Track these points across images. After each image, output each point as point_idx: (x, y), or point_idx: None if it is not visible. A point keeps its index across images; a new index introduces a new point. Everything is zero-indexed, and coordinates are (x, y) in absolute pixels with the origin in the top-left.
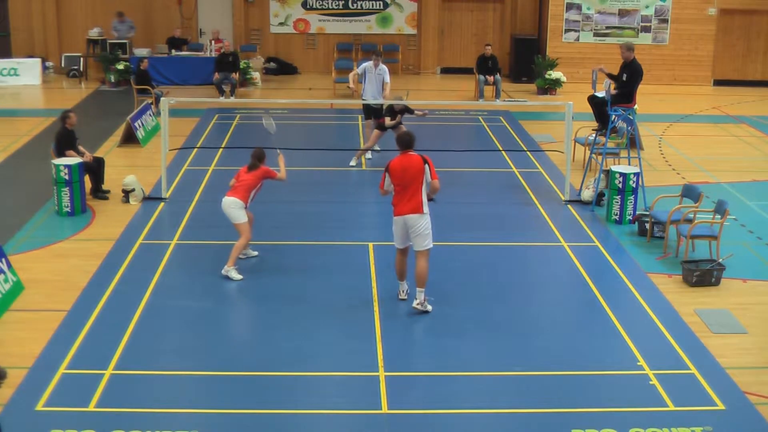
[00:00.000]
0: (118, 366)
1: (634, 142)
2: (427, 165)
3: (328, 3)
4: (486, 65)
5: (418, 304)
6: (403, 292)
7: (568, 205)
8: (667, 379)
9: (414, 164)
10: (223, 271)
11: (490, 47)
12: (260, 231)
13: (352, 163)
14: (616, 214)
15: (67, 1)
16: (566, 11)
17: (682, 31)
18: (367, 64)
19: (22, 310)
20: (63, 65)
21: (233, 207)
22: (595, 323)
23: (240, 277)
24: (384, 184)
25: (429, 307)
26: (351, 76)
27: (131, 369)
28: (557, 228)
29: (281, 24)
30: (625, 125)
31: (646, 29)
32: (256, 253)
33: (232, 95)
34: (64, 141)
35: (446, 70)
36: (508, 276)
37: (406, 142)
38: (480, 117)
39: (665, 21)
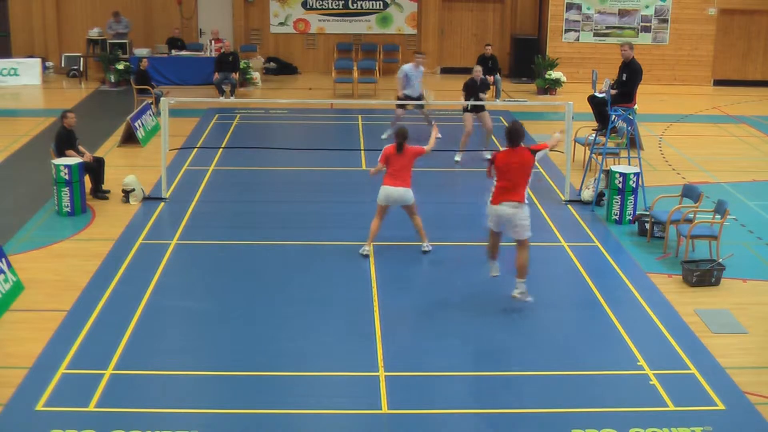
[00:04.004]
0: (118, 366)
1: (634, 142)
2: (535, 153)
3: (328, 3)
4: (486, 65)
5: (519, 293)
6: (495, 269)
7: (568, 205)
8: (667, 379)
9: (523, 160)
10: (425, 247)
11: (490, 47)
12: (260, 231)
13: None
14: (616, 214)
15: (67, 1)
16: (566, 11)
17: (682, 31)
18: None
19: (22, 310)
20: (63, 65)
21: (408, 194)
22: (595, 323)
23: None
24: (491, 172)
25: (529, 298)
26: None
27: (131, 369)
28: (557, 228)
29: (281, 24)
30: (625, 125)
31: (646, 29)
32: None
33: (232, 95)
34: (64, 141)
35: (446, 70)
36: (508, 276)
37: (514, 138)
38: None
39: (665, 21)
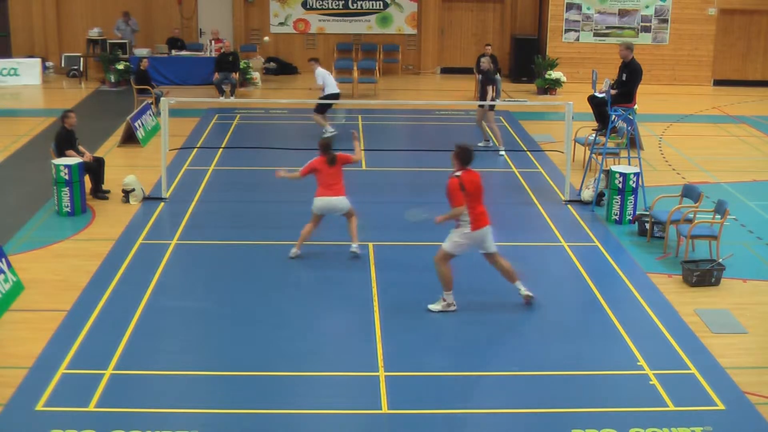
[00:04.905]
0: (118, 366)
1: (634, 142)
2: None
3: (328, 3)
4: None
5: (528, 292)
6: (453, 301)
7: (568, 205)
8: (667, 379)
9: (479, 179)
10: (354, 248)
11: (490, 47)
12: (260, 230)
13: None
14: (616, 214)
15: (67, 1)
16: (566, 11)
17: (682, 31)
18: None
19: (22, 310)
20: (63, 65)
21: (345, 202)
22: (595, 323)
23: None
24: (463, 200)
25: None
26: None
27: (131, 369)
28: (557, 228)
29: (281, 24)
30: (625, 125)
31: (646, 29)
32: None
33: (232, 95)
34: (64, 141)
35: (446, 70)
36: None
37: (468, 159)
38: None
39: (665, 21)
